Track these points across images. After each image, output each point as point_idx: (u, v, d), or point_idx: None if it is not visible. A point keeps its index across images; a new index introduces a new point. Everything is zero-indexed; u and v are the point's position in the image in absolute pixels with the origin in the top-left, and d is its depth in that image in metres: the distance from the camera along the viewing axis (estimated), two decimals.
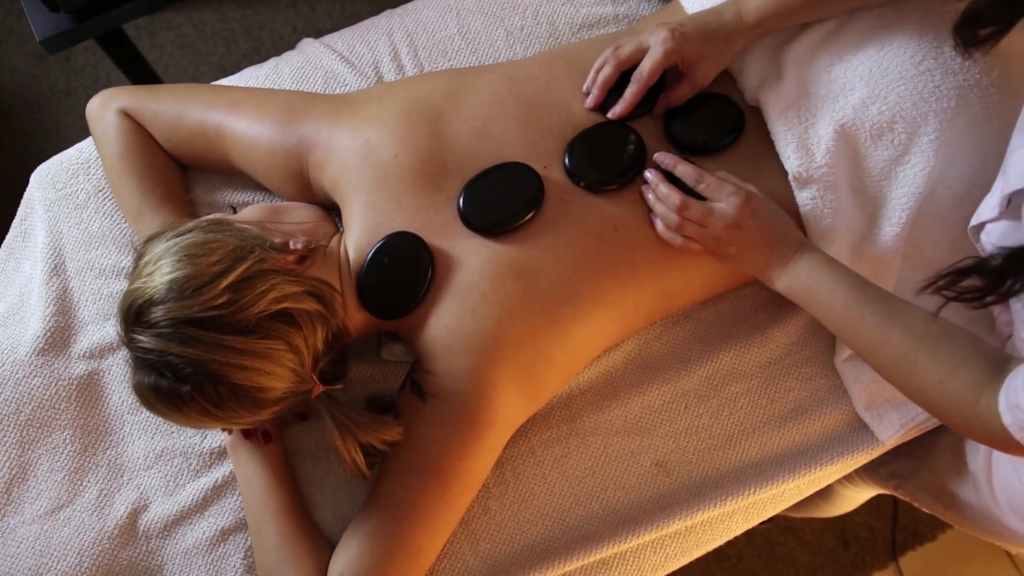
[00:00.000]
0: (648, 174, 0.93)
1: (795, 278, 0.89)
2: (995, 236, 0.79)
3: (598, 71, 0.97)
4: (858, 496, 1.36)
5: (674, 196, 0.90)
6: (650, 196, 0.93)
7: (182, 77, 1.96)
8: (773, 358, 1.06)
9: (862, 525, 1.80)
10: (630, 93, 0.95)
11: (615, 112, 0.96)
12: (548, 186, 0.93)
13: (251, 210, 0.94)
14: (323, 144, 0.95)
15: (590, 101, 0.97)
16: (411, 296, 0.89)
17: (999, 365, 0.74)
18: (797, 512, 1.55)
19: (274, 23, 2.01)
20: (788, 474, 1.02)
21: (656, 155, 0.94)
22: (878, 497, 1.71)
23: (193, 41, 1.99)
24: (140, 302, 0.80)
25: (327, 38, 1.18)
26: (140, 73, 1.48)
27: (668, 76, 0.97)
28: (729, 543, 1.77)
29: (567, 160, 0.94)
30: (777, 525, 1.79)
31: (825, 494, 1.38)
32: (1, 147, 1.91)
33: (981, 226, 0.81)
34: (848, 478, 1.27)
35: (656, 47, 0.94)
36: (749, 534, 1.77)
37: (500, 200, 0.91)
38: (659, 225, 0.93)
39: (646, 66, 0.94)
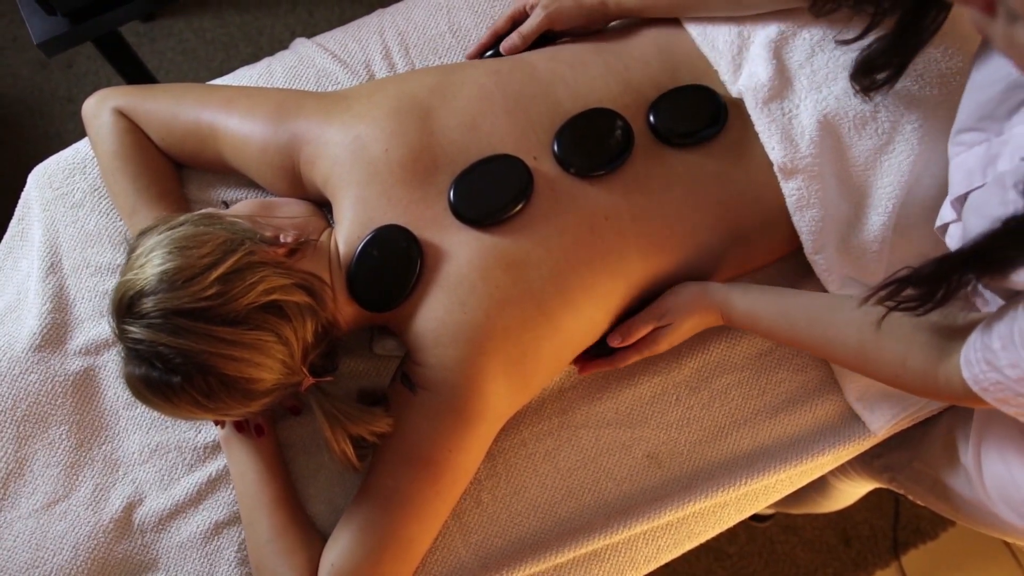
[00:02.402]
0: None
1: (736, 322, 0.96)
2: (955, 238, 0.82)
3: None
4: (854, 490, 1.35)
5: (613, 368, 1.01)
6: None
7: (183, 82, 1.98)
8: (764, 349, 1.06)
9: (864, 523, 1.79)
10: (484, 35, 1.12)
11: (470, 51, 1.13)
12: (538, 177, 0.93)
13: (243, 205, 0.95)
14: (314, 140, 0.96)
15: (470, 50, 1.13)
16: (400, 288, 0.90)
17: (946, 335, 0.77)
18: (794, 508, 1.55)
19: (273, 28, 2.04)
20: (780, 465, 1.02)
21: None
22: (879, 495, 1.71)
23: (193, 47, 2.02)
24: (131, 293, 0.81)
25: (319, 37, 1.19)
26: (137, 76, 1.50)
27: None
28: (730, 542, 1.79)
29: (556, 147, 0.95)
30: (778, 523, 1.78)
31: (820, 488, 1.37)
32: (4, 153, 1.94)
33: (946, 226, 0.83)
34: (843, 471, 1.27)
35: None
36: (750, 533, 1.78)
37: (490, 192, 0.91)
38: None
39: (500, 18, 1.11)
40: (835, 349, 0.88)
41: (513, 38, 1.07)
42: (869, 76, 0.92)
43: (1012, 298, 0.68)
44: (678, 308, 0.96)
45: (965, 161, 0.77)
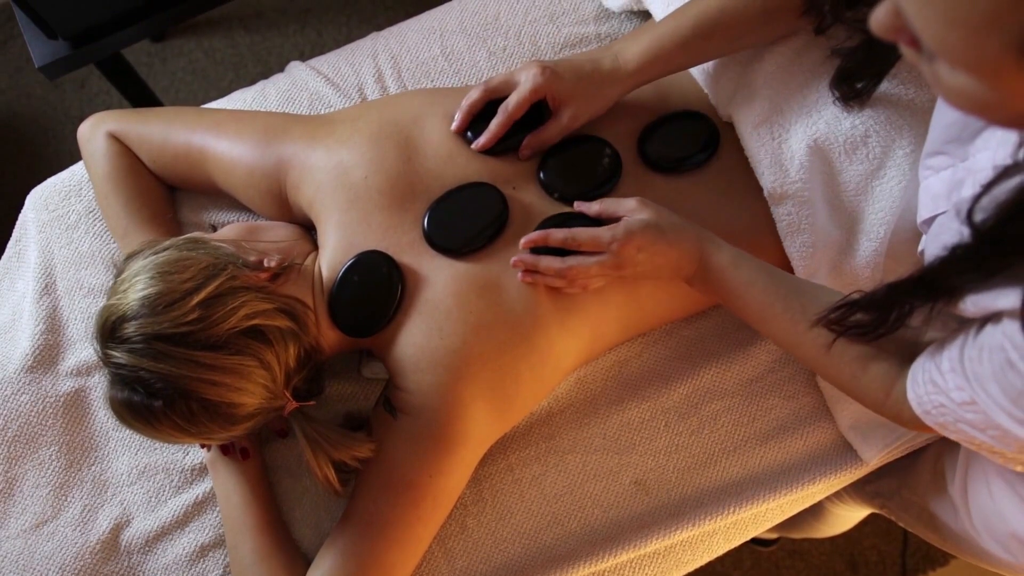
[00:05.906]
0: (521, 258, 0.89)
1: (707, 285, 0.87)
2: None
3: (468, 98, 0.96)
4: (850, 515, 1.33)
5: (555, 263, 0.87)
6: (531, 278, 0.89)
7: (192, 102, 2.00)
8: (755, 376, 1.05)
9: (871, 549, 1.76)
10: (495, 124, 0.94)
11: (479, 144, 0.95)
12: (515, 206, 0.93)
13: (229, 229, 0.96)
14: (299, 165, 0.96)
15: (454, 125, 0.96)
16: (381, 315, 0.90)
17: (909, 356, 0.75)
18: (792, 532, 1.52)
19: (282, 48, 2.05)
20: (769, 493, 1.01)
21: (522, 242, 0.88)
22: (887, 520, 1.68)
23: (203, 67, 2.04)
24: (114, 318, 0.81)
25: (314, 61, 1.20)
26: (142, 97, 1.52)
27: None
28: (735, 566, 1.76)
29: (541, 174, 0.95)
30: (783, 548, 1.76)
31: (816, 512, 1.35)
32: (17, 171, 1.97)
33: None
34: (837, 495, 1.25)
35: (525, 82, 0.93)
36: (755, 557, 1.75)
37: (465, 221, 0.91)
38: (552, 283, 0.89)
39: (513, 99, 0.94)
40: (802, 336, 0.80)
41: (500, 121, 0.94)
42: (847, 83, 0.92)
43: (964, 324, 0.67)
44: (661, 213, 0.85)
45: (932, 186, 0.76)
